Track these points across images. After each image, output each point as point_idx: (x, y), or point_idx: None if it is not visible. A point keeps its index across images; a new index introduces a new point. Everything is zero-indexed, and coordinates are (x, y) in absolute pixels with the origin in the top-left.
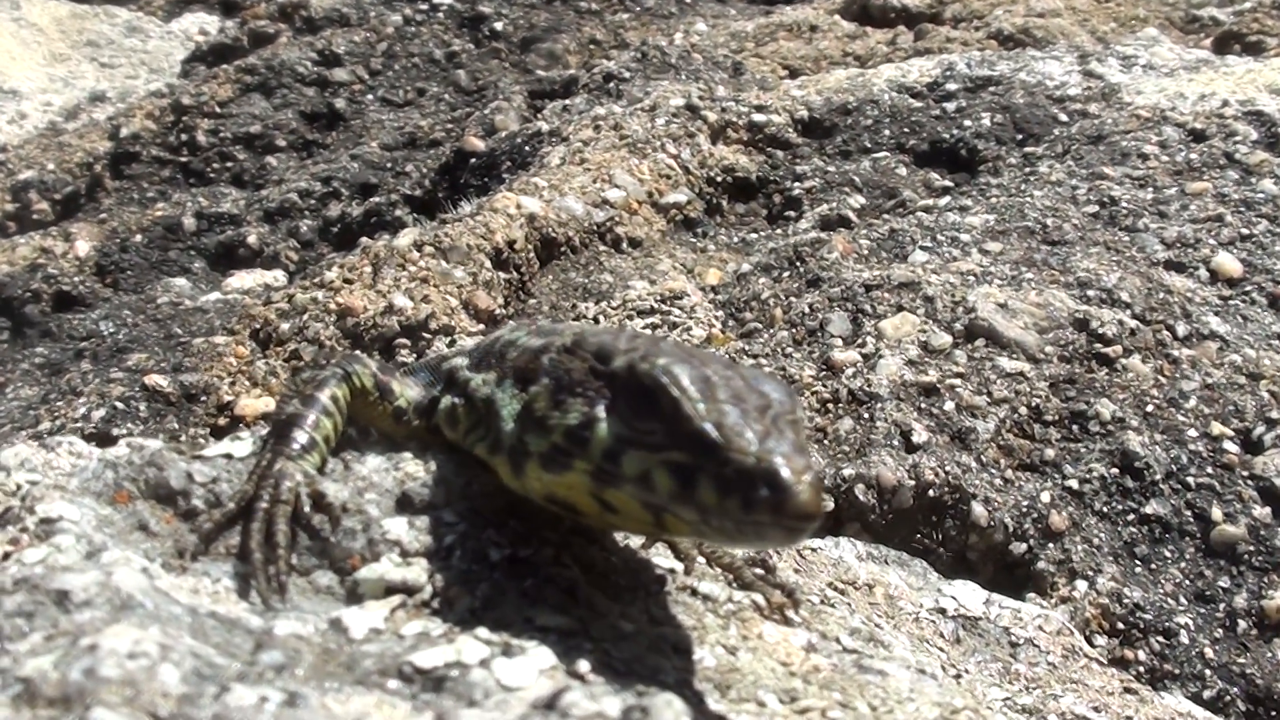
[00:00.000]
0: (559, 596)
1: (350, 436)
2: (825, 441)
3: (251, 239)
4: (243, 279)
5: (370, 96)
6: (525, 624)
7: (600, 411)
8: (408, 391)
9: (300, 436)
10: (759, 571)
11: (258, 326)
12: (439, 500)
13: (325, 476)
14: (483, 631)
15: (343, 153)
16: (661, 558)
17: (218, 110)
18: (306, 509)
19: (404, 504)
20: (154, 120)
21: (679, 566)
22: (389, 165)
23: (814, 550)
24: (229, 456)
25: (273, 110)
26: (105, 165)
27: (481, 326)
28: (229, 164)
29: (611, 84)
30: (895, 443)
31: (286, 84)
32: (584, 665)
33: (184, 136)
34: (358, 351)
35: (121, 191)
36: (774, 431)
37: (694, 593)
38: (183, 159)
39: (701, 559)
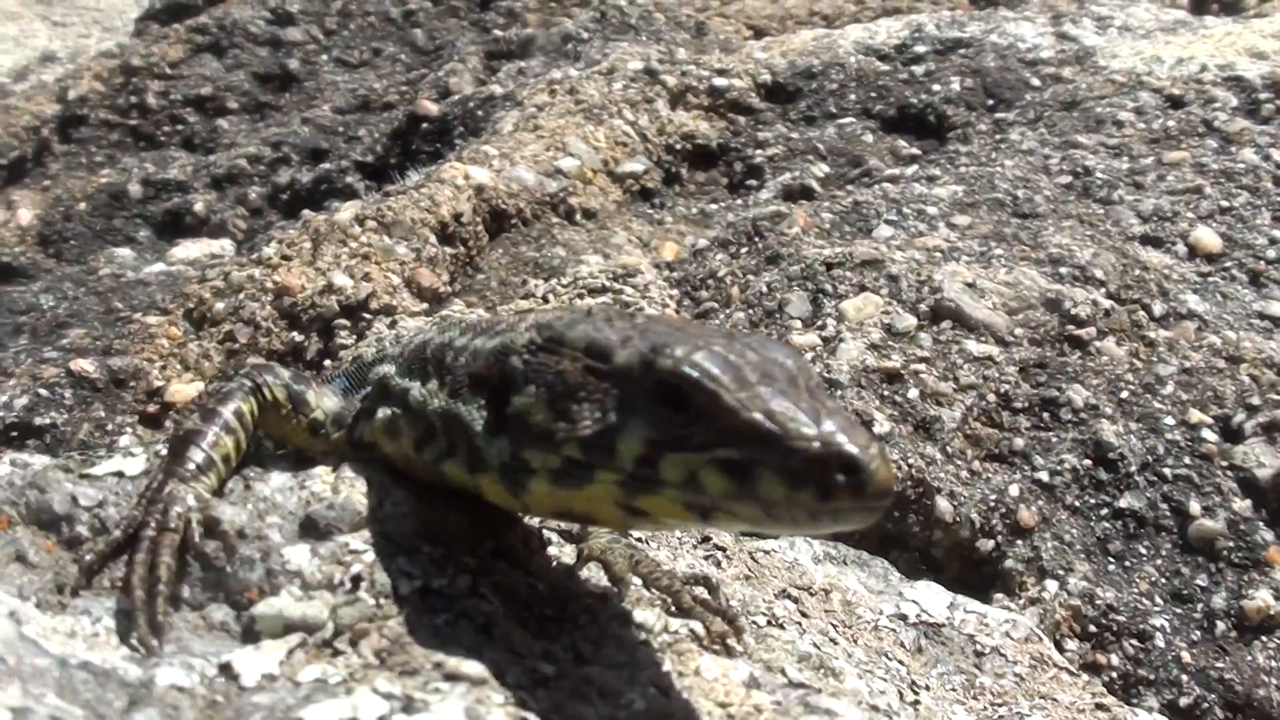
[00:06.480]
0: (473, 636)
1: (265, 451)
2: None
3: (198, 207)
4: (188, 249)
5: (324, 57)
6: (434, 670)
7: (616, 416)
8: (324, 402)
9: (196, 455)
10: (699, 592)
11: (192, 306)
12: (346, 524)
13: (222, 499)
14: (383, 682)
15: (295, 116)
16: (592, 573)
17: (168, 71)
18: (197, 537)
19: (308, 528)
20: (103, 82)
21: (612, 593)
22: (341, 130)
23: (768, 554)
24: (120, 475)
25: (224, 71)
26: (53, 129)
27: (425, 306)
28: (179, 127)
29: (569, 45)
30: None
31: (239, 44)
32: None
33: (133, 99)
34: (271, 362)
35: (69, 156)
36: (821, 408)
37: (626, 622)
38: (132, 122)
39: (637, 580)
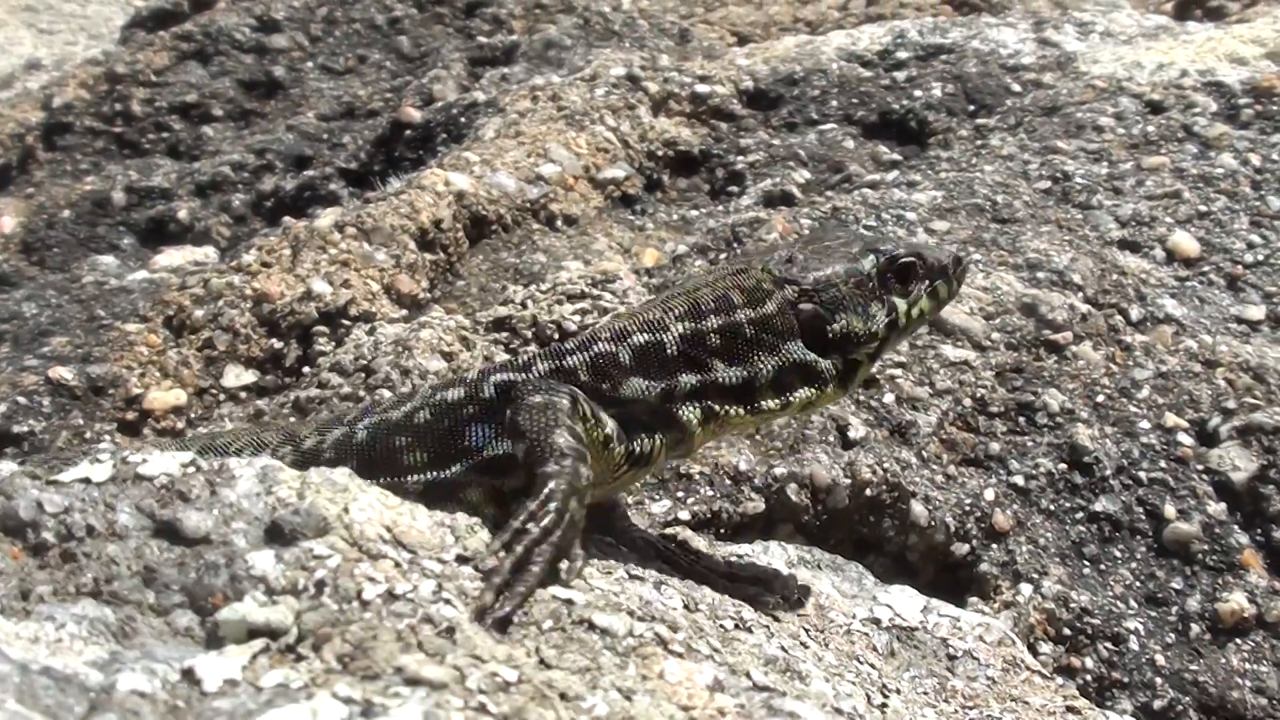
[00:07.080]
0: (436, 641)
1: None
2: (757, 437)
3: (182, 214)
4: (172, 256)
5: (310, 64)
6: (394, 675)
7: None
8: (602, 416)
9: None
10: None
11: (171, 313)
12: (312, 529)
13: (189, 503)
14: (343, 687)
15: (279, 123)
16: (557, 587)
17: (153, 79)
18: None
19: (274, 534)
20: (88, 89)
21: (577, 597)
22: (325, 137)
23: (741, 559)
24: (87, 481)
25: (210, 79)
26: (37, 137)
27: (404, 312)
28: (164, 134)
29: (552, 52)
30: (831, 439)
31: (224, 51)
32: None
33: (118, 106)
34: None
35: (54, 164)
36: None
37: (591, 626)
38: (117, 130)
39: (601, 584)
